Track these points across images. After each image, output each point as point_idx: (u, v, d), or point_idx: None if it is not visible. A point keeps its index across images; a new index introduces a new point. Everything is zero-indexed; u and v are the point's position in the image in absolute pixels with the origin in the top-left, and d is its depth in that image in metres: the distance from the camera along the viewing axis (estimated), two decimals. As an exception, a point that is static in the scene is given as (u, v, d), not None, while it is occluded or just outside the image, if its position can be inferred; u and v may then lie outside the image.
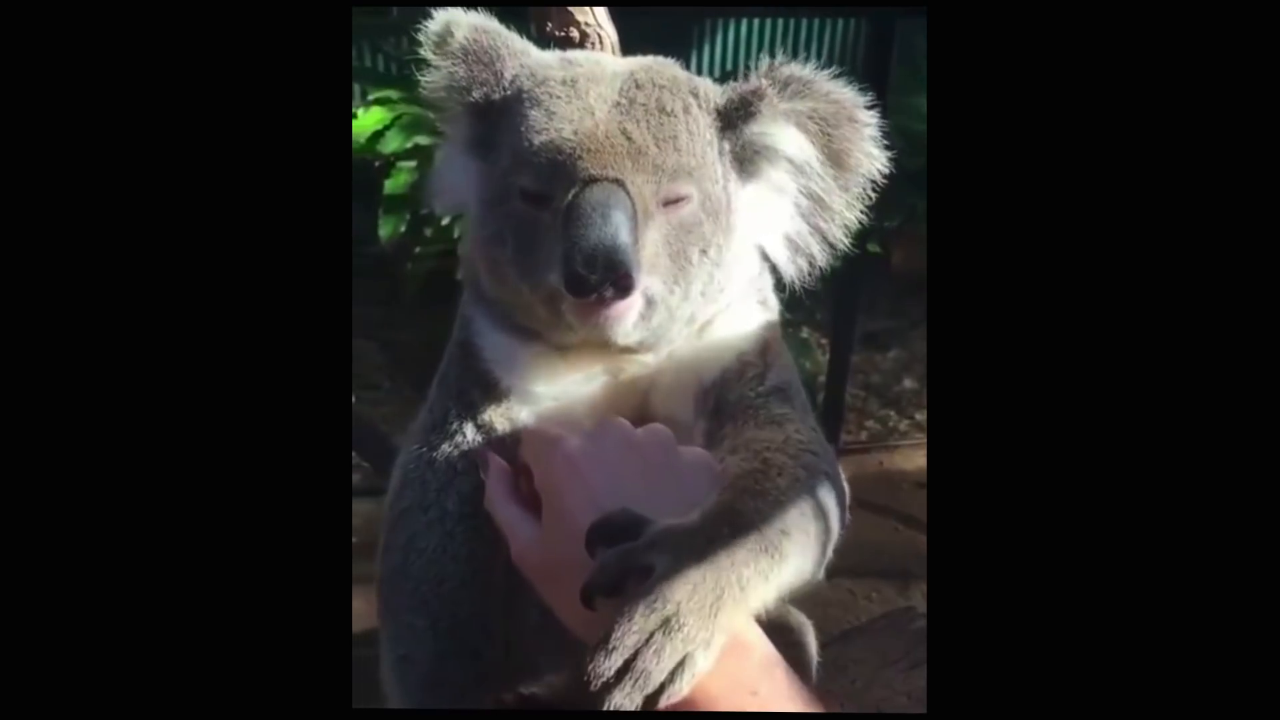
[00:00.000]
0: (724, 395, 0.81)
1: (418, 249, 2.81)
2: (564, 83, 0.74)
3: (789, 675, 0.65)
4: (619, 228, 0.68)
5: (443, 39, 0.78)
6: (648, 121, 0.72)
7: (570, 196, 0.69)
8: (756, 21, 3.99)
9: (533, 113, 0.73)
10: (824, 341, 3.41)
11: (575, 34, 1.26)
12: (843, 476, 0.80)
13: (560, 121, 0.72)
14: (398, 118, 2.68)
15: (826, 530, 0.72)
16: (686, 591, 0.60)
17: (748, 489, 0.69)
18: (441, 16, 0.79)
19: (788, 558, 0.66)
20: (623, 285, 0.69)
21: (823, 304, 3.56)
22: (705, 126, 0.76)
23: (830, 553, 0.74)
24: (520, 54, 0.79)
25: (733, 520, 0.65)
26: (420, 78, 0.80)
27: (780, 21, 4.14)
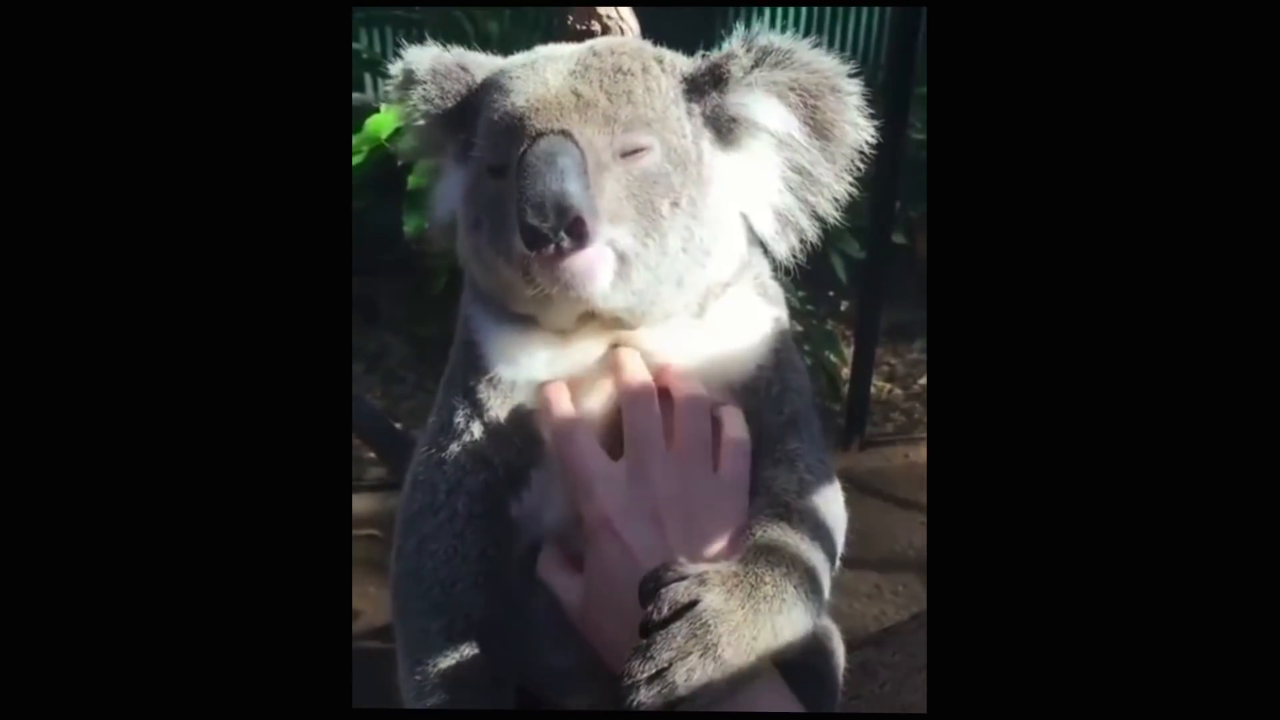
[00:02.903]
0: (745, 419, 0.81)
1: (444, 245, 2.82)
2: (524, 65, 0.77)
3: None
4: (565, 173, 0.67)
5: (409, 74, 0.82)
6: (600, 81, 0.73)
7: (518, 155, 0.70)
8: (780, 13, 3.97)
9: (494, 96, 0.76)
10: (848, 333, 3.39)
11: (598, 28, 1.25)
12: (843, 501, 0.83)
13: (515, 95, 0.73)
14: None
15: (832, 572, 0.77)
16: (729, 627, 0.66)
17: (779, 539, 0.73)
18: (404, 57, 0.83)
19: (814, 606, 0.72)
20: (577, 232, 0.68)
21: (847, 295, 3.54)
22: (668, 86, 0.76)
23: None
24: (488, 62, 0.82)
25: (771, 568, 0.70)
26: (405, 118, 0.84)
27: (805, 13, 4.12)
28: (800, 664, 0.74)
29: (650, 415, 0.78)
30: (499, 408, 0.81)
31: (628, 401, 0.78)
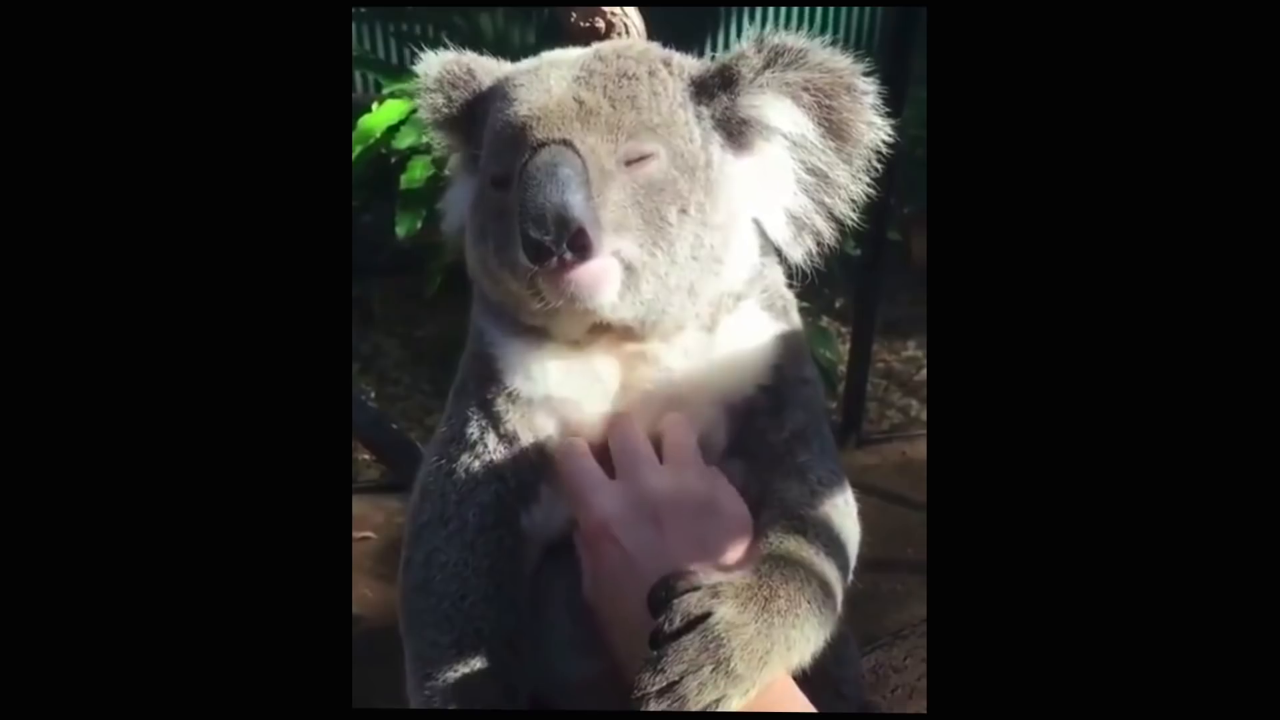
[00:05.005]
0: (745, 436, 0.81)
1: (436, 244, 2.81)
2: (528, 71, 0.76)
3: None
4: (565, 185, 0.66)
5: (422, 82, 0.83)
6: (604, 87, 0.72)
7: (520, 166, 0.69)
8: (772, 11, 3.97)
9: (499, 104, 0.75)
10: (844, 330, 3.39)
11: (601, 24, 1.23)
12: (856, 514, 0.83)
13: (518, 104, 0.72)
14: (413, 111, 2.67)
15: (844, 585, 0.76)
16: (742, 641, 0.64)
17: (793, 551, 0.72)
18: (422, 61, 0.83)
19: (828, 621, 0.71)
20: (579, 245, 0.66)
21: (843, 292, 3.54)
22: (675, 90, 0.74)
23: None
24: (496, 69, 0.82)
25: (786, 581, 0.69)
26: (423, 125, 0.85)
27: (798, 11, 4.12)
28: (816, 673, 0.72)
29: (631, 430, 0.78)
30: (514, 421, 0.79)
31: (609, 425, 0.79)
